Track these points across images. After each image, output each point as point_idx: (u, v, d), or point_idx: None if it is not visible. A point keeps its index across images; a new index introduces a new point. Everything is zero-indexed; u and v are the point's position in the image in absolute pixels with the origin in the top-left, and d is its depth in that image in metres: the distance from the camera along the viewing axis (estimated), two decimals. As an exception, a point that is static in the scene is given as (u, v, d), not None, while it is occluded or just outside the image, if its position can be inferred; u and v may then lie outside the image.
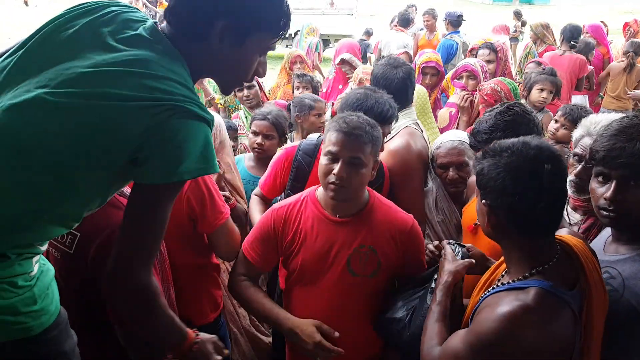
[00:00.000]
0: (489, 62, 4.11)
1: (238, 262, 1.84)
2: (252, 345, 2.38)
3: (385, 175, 2.23)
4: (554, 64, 4.47)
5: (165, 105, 1.13)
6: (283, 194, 2.28)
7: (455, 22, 6.45)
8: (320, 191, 1.77)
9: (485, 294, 1.38)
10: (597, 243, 1.54)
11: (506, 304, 1.24)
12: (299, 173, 2.17)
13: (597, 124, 1.89)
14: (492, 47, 4.18)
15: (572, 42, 5.37)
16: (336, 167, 1.62)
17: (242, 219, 2.28)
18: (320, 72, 6.07)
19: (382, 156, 2.23)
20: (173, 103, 1.14)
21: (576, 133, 1.99)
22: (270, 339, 2.42)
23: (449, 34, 6.52)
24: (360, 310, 1.75)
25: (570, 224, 1.96)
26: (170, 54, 1.20)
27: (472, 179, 2.16)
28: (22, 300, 1.25)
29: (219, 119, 2.41)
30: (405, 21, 7.18)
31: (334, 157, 1.64)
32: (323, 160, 1.68)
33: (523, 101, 3.62)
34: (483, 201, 1.32)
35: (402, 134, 2.36)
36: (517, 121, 1.85)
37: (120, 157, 1.15)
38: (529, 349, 1.22)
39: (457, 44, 6.01)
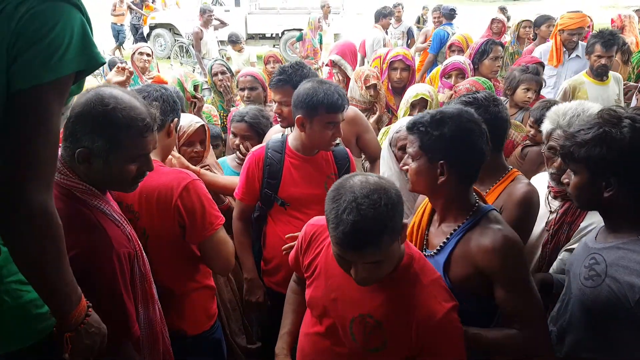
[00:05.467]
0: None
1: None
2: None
3: (350, 159, 2.36)
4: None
5: (12, 3, 1.01)
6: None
7: (447, 14, 6.97)
8: None
9: (444, 245, 1.59)
10: (592, 233, 1.65)
11: (495, 231, 1.52)
12: (272, 170, 2.25)
13: (564, 115, 1.97)
14: (502, 46, 4.13)
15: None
16: (353, 272, 1.37)
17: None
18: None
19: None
20: None
21: (545, 126, 2.06)
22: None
23: (442, 25, 6.83)
24: None
25: (550, 211, 2.09)
26: None
27: None
28: None
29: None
30: (378, 16, 7.39)
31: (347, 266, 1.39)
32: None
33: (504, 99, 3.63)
34: (441, 162, 1.53)
35: None
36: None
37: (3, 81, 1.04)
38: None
39: (449, 34, 6.13)
